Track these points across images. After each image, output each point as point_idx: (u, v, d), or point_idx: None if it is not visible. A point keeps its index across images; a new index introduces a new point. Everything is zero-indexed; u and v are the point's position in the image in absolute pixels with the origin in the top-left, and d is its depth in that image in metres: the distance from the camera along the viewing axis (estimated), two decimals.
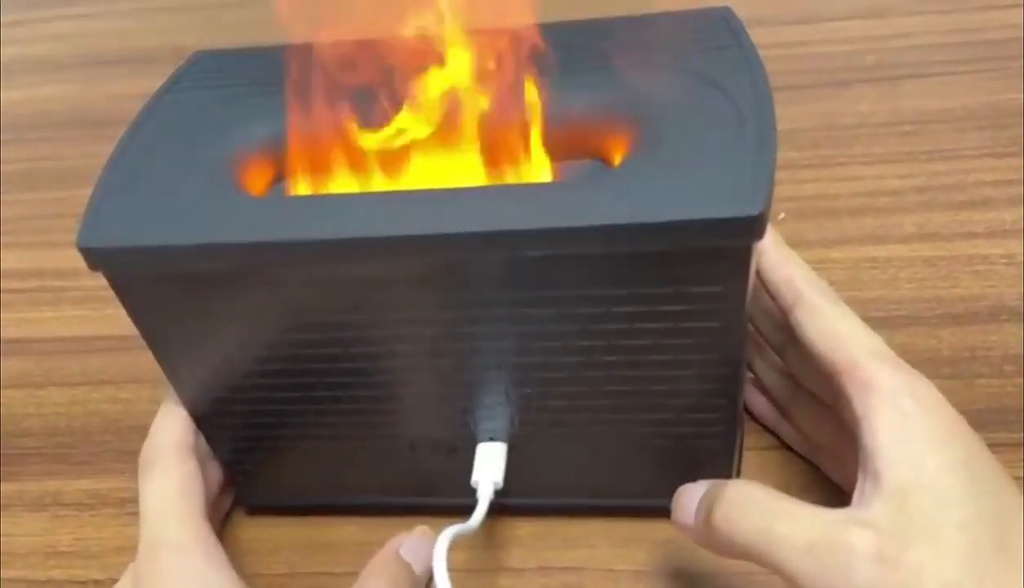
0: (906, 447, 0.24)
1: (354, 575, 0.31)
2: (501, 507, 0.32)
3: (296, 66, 0.29)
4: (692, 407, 0.29)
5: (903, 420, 0.25)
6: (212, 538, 0.30)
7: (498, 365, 0.28)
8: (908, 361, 0.26)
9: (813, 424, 0.33)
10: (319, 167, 0.30)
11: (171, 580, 0.28)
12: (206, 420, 0.32)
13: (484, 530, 0.33)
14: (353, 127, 0.29)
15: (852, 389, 0.26)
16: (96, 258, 0.27)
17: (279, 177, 0.31)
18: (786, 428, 0.35)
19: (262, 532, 0.36)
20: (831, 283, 0.30)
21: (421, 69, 0.29)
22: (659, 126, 0.27)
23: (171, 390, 0.31)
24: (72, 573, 0.36)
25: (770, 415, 0.35)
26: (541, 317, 0.27)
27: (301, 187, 0.30)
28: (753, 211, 0.23)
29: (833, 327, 0.28)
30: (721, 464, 0.31)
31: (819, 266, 0.30)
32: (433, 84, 0.29)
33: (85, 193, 0.27)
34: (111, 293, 0.28)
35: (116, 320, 0.37)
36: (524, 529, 0.34)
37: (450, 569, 0.27)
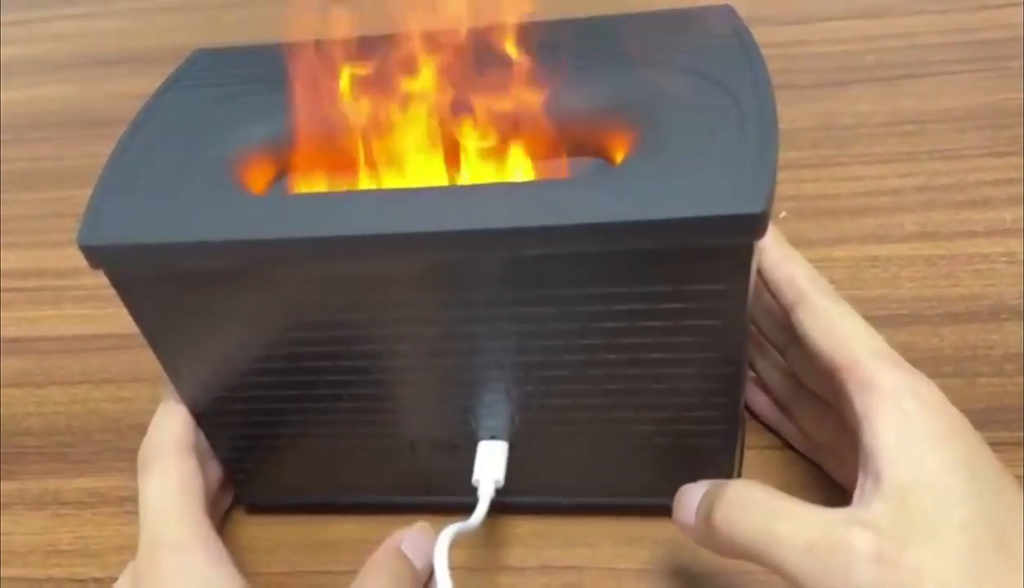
0: (907, 447, 0.24)
1: (354, 573, 0.31)
2: (502, 505, 0.32)
3: (296, 64, 0.29)
4: (693, 406, 0.29)
5: (904, 419, 0.25)
6: (213, 535, 0.30)
7: (499, 363, 0.28)
8: (910, 360, 0.26)
9: (814, 423, 0.33)
10: (319, 165, 0.30)
11: (172, 578, 0.28)
12: (206, 418, 0.32)
13: (485, 528, 0.33)
14: (354, 124, 0.29)
15: (853, 388, 0.26)
16: (97, 256, 0.27)
17: (279, 175, 0.31)
18: (787, 427, 0.35)
19: (262, 531, 0.36)
20: (832, 282, 0.30)
21: (422, 66, 0.29)
22: (660, 124, 0.27)
23: (171, 388, 0.31)
24: (72, 571, 0.36)
25: (772, 414, 0.35)
26: (542, 315, 0.27)
27: (301, 185, 0.30)
28: (755, 209, 0.23)
29: (834, 326, 0.28)
30: (722, 463, 0.31)
31: (820, 265, 0.30)
32: (434, 82, 0.29)
33: (85, 193, 0.27)
34: (112, 292, 0.28)
35: (117, 319, 0.37)
36: (525, 527, 0.34)
37: (451, 567, 0.27)
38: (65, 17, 0.73)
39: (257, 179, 0.30)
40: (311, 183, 0.30)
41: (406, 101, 0.29)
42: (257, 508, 0.36)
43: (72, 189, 0.54)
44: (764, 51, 0.28)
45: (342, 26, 0.29)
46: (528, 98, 0.29)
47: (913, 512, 0.23)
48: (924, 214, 0.43)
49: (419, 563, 0.31)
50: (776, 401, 0.35)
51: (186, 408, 0.32)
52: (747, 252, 0.25)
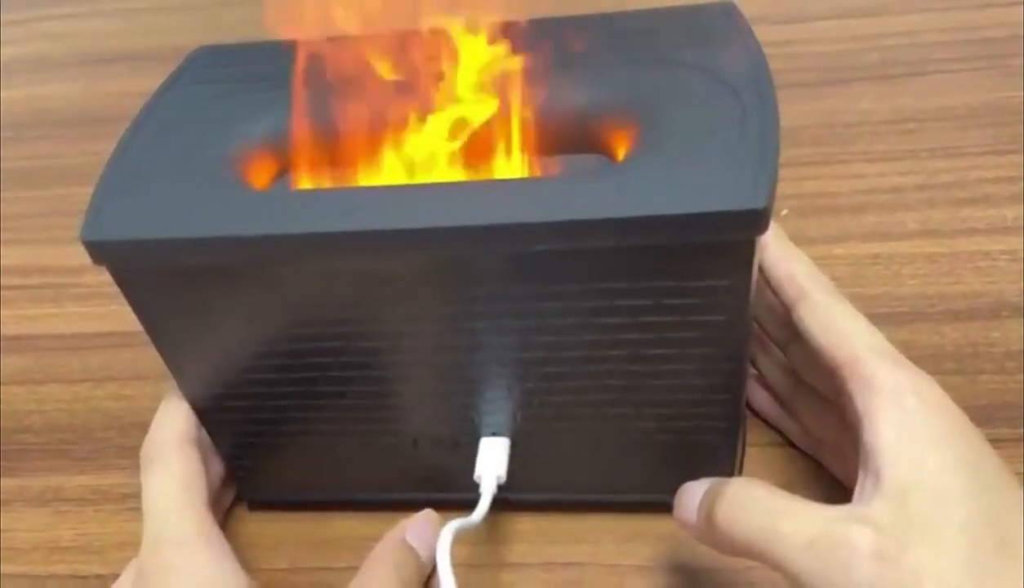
0: (907, 445, 0.24)
1: (355, 570, 0.31)
2: (504, 502, 0.32)
3: (298, 60, 0.29)
4: (695, 402, 0.29)
5: (904, 418, 0.25)
6: (216, 530, 0.30)
7: (501, 360, 0.28)
8: (911, 357, 0.26)
9: (815, 420, 0.33)
10: (322, 161, 0.30)
11: (176, 574, 0.28)
12: (208, 414, 0.32)
13: (486, 525, 0.33)
14: (357, 121, 0.29)
15: (854, 386, 0.26)
16: (100, 252, 0.27)
17: (283, 171, 0.31)
18: (789, 424, 0.35)
19: (263, 527, 0.36)
20: (834, 280, 0.30)
21: (424, 64, 0.29)
22: (663, 121, 0.27)
23: (173, 384, 0.31)
24: (74, 568, 0.36)
25: (773, 411, 0.35)
26: (545, 311, 0.27)
27: (304, 181, 0.30)
28: (757, 204, 0.23)
29: (835, 323, 0.28)
30: (724, 459, 0.31)
31: (822, 263, 0.30)
32: (435, 79, 0.29)
33: (85, 191, 0.27)
34: (113, 290, 0.28)
35: (119, 317, 0.37)
36: (526, 524, 0.34)
37: (452, 564, 0.27)
38: (65, 16, 0.73)
39: (260, 175, 0.30)
40: (314, 179, 0.30)
41: (408, 98, 0.29)
42: (259, 505, 0.36)
43: (72, 187, 0.54)
44: (765, 49, 0.28)
45: (345, 22, 0.29)
46: (530, 95, 0.29)
47: (913, 511, 0.23)
48: (925, 212, 0.43)
49: (424, 553, 0.31)
50: (777, 398, 0.35)
51: (188, 405, 0.32)
52: (749, 248, 0.25)
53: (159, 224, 0.26)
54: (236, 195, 0.28)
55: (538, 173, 0.29)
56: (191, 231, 0.26)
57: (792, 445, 0.35)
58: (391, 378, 0.30)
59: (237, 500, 0.37)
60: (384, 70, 0.29)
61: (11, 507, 0.38)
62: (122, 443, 0.40)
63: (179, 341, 0.29)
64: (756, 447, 0.35)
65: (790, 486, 0.25)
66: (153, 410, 0.32)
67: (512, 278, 0.26)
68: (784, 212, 0.43)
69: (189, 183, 0.28)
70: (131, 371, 0.43)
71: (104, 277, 0.28)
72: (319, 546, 0.35)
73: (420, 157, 0.29)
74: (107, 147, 0.29)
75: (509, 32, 0.29)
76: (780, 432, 0.35)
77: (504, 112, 0.28)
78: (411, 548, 0.31)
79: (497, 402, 0.30)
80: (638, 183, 0.25)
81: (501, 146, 0.29)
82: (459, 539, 0.28)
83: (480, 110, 0.28)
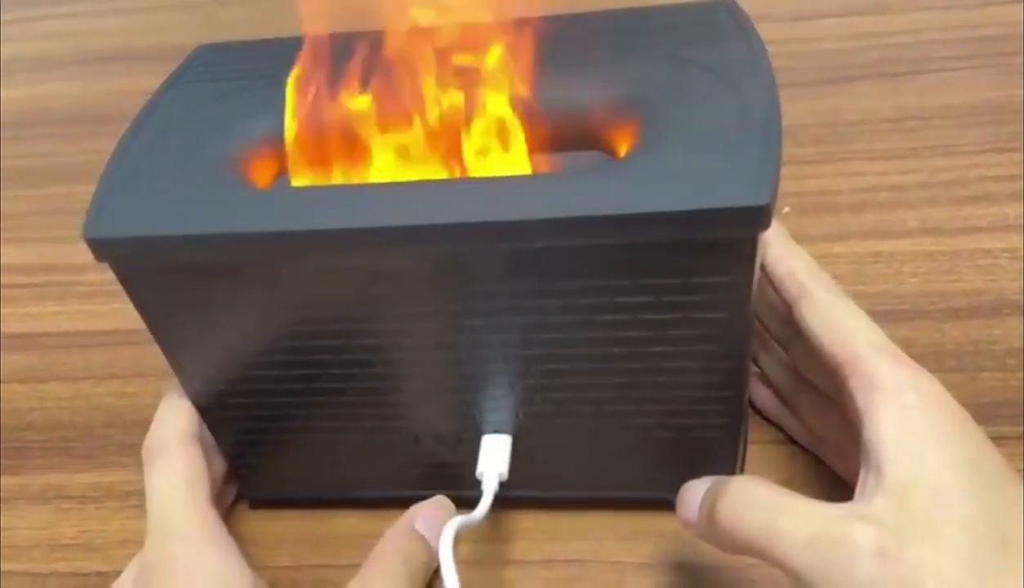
0: (908, 443, 0.24)
1: (357, 567, 0.31)
2: (505, 499, 0.32)
3: (299, 58, 0.29)
4: (697, 399, 0.29)
5: (905, 415, 0.25)
6: (219, 525, 0.30)
7: (503, 357, 0.28)
8: (912, 355, 0.26)
9: (817, 418, 0.33)
10: (323, 159, 0.30)
11: (181, 569, 0.29)
12: (210, 412, 0.32)
13: (488, 523, 0.33)
14: (357, 118, 0.29)
15: (855, 383, 0.26)
16: (103, 249, 0.27)
17: (284, 169, 0.31)
18: (790, 421, 0.35)
19: (265, 525, 0.36)
20: (835, 278, 0.30)
21: (424, 61, 0.29)
22: (664, 118, 0.27)
23: (174, 381, 0.31)
24: (76, 565, 0.36)
25: (774, 408, 0.36)
26: (546, 308, 0.27)
27: (306, 179, 0.30)
28: (759, 201, 0.23)
29: (836, 321, 0.28)
30: (725, 457, 0.31)
31: (823, 261, 0.30)
32: (436, 77, 0.29)
33: (86, 189, 0.27)
34: (116, 288, 0.28)
35: (121, 315, 0.37)
36: (528, 521, 0.34)
37: (455, 560, 0.27)
38: (65, 15, 0.73)
39: (261, 173, 0.30)
40: (315, 177, 0.30)
41: (408, 95, 0.29)
42: (260, 503, 0.37)
43: (73, 185, 0.54)
44: (768, 47, 0.28)
45: (346, 19, 0.29)
46: (532, 92, 0.29)
47: (914, 508, 0.23)
48: (926, 210, 0.43)
49: (435, 541, 0.30)
50: (779, 395, 0.35)
51: (190, 402, 0.32)
52: (751, 244, 0.25)
53: (161, 221, 0.26)
54: (238, 192, 0.28)
55: (539, 170, 0.29)
56: (193, 228, 0.26)
57: (793, 442, 0.35)
58: (393, 375, 0.30)
59: (238, 498, 0.37)
60: (385, 66, 0.29)
61: (12, 505, 0.38)
62: (124, 440, 0.40)
63: (181, 338, 0.29)
64: (757, 444, 0.35)
65: (791, 483, 0.25)
66: (155, 408, 0.32)
67: (514, 275, 0.26)
68: (786, 210, 0.43)
69: (191, 181, 0.28)
70: (133, 368, 0.43)
71: (107, 275, 0.28)
72: (321, 544, 0.35)
73: (421, 154, 0.29)
74: (108, 145, 0.29)
75: (510, 28, 0.29)
76: (781, 429, 0.35)
77: (505, 109, 0.28)
78: (421, 538, 0.31)
79: (499, 399, 0.30)
80: (639, 180, 0.25)
81: (502, 143, 0.29)
82: (460, 536, 0.28)
83: (481, 107, 0.28)
